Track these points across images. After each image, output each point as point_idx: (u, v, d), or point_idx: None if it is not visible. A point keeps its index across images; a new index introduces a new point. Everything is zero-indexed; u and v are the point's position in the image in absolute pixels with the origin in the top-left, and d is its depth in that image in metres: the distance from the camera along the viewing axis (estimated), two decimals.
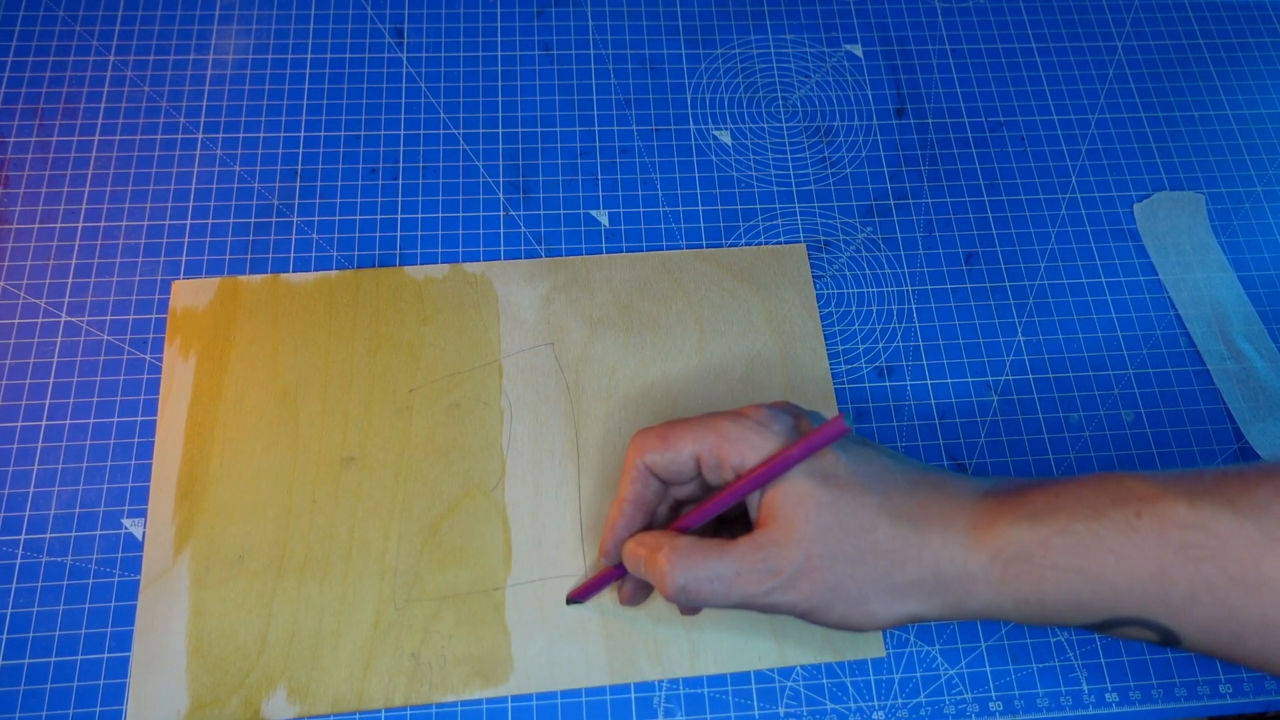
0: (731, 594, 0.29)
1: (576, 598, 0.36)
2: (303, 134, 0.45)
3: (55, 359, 0.39)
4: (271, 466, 0.38)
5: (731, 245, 0.44)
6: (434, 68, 0.47)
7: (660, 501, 0.34)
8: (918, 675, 0.36)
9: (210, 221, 0.43)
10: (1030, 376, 0.42)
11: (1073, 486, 0.28)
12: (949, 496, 0.29)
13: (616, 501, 0.33)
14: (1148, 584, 0.26)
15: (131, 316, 0.40)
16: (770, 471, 0.29)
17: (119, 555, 0.36)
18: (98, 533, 0.37)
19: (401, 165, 0.45)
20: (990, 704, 0.36)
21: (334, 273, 0.42)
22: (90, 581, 0.36)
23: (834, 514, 0.29)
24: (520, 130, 0.46)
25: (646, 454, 0.32)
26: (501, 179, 0.45)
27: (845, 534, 0.29)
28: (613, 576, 0.34)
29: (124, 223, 0.42)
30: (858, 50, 0.49)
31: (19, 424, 0.38)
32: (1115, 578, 0.27)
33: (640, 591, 0.35)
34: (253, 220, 0.43)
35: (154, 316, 0.41)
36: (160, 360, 0.40)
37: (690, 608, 0.33)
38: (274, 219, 0.43)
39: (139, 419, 0.39)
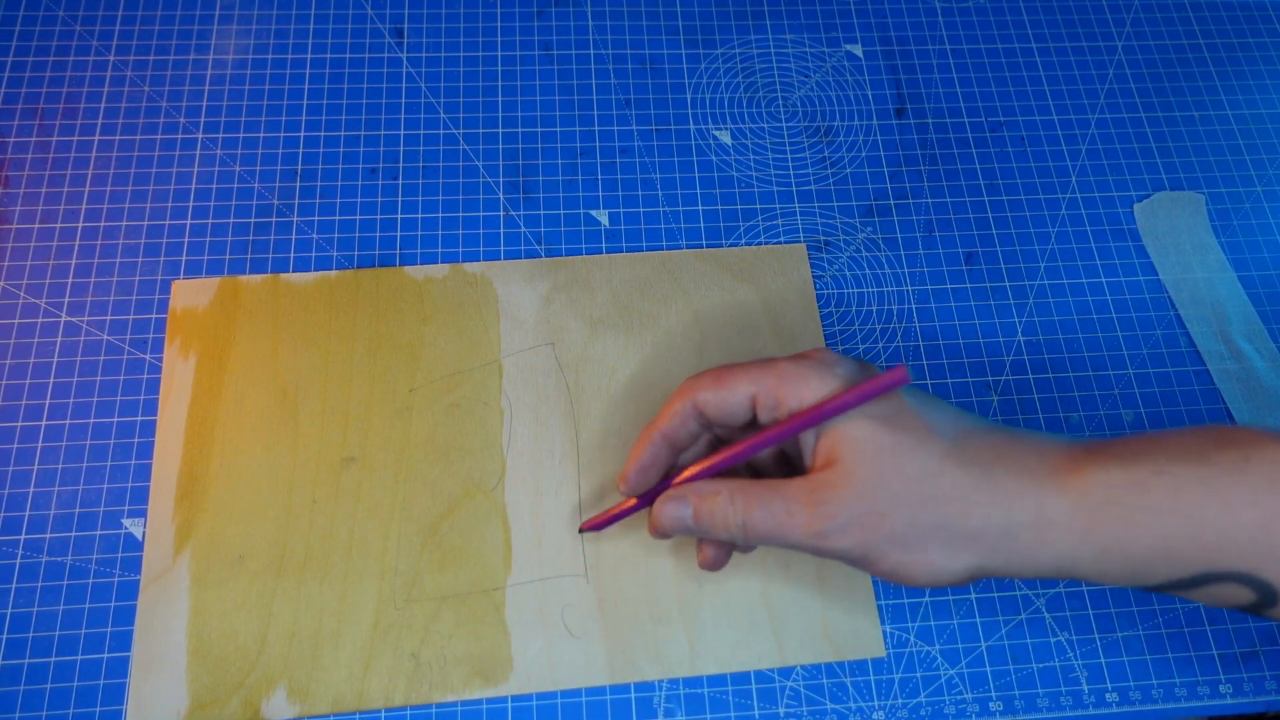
0: (785, 533, 0.29)
1: (591, 527, 0.36)
2: (303, 134, 0.45)
3: (55, 359, 0.39)
4: (271, 466, 0.38)
5: (731, 245, 0.44)
6: (434, 68, 0.47)
7: (692, 443, 0.33)
8: (918, 675, 0.36)
9: (210, 221, 0.43)
10: (1030, 377, 0.42)
11: (1171, 433, 0.26)
12: (1028, 444, 0.28)
13: (647, 429, 0.32)
14: (1253, 532, 0.24)
15: (131, 316, 0.40)
16: (826, 411, 0.28)
17: (119, 555, 0.36)
18: (98, 533, 0.37)
19: (401, 165, 0.45)
20: (990, 704, 0.36)
21: (334, 273, 0.42)
22: (90, 581, 0.36)
23: (895, 458, 0.27)
24: (520, 130, 0.46)
25: (698, 392, 0.31)
26: (501, 179, 0.45)
27: (907, 479, 0.27)
28: (629, 510, 0.34)
29: (124, 223, 0.42)
30: (858, 50, 0.49)
31: (19, 424, 0.38)
32: (1218, 523, 0.24)
33: (720, 552, 0.33)
34: (253, 220, 0.43)
35: (154, 316, 0.41)
36: (160, 360, 0.40)
37: (745, 546, 0.32)
38: (274, 219, 0.43)
39: (139, 419, 0.39)
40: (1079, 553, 0.26)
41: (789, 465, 0.34)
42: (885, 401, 0.29)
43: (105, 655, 0.35)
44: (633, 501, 0.34)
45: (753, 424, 0.32)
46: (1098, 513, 0.26)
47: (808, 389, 0.29)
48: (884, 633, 0.37)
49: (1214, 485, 0.24)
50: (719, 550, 0.33)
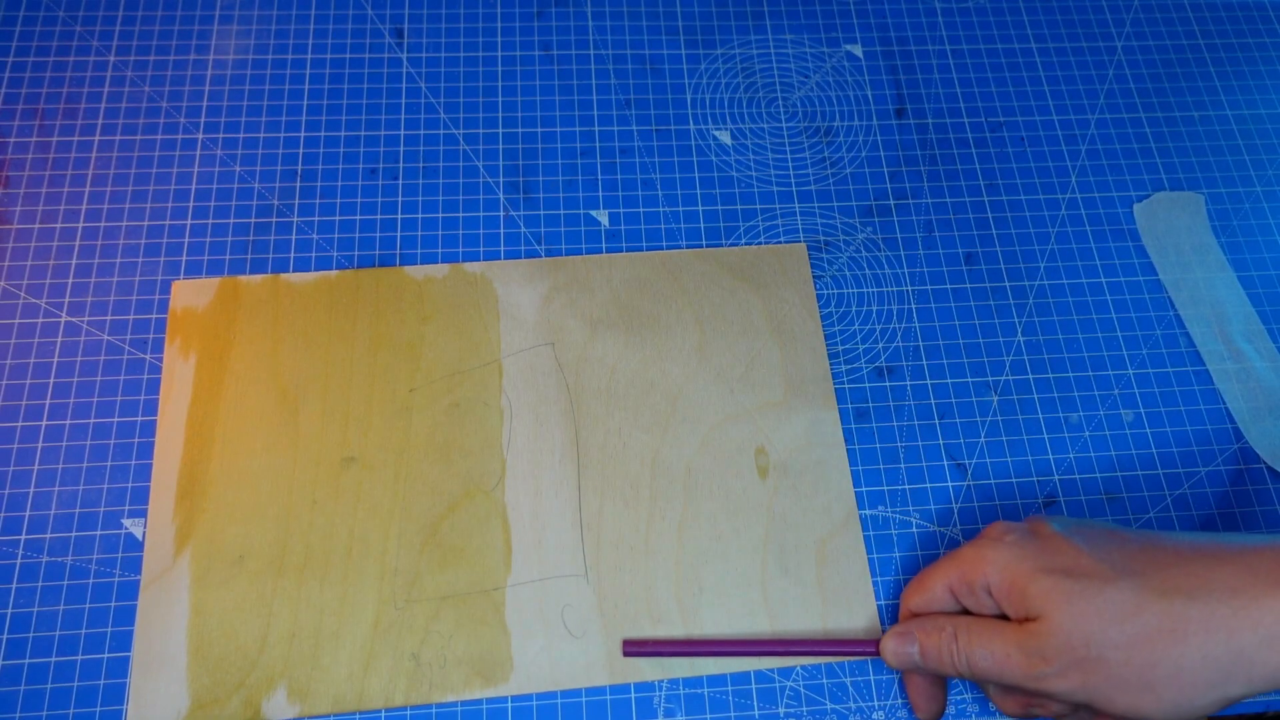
0: (1005, 675, 0.30)
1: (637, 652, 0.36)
2: (303, 134, 0.45)
3: (55, 359, 0.39)
4: (271, 466, 0.38)
5: (731, 245, 0.44)
6: (434, 68, 0.47)
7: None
8: None
9: (210, 221, 0.43)
10: (1030, 376, 0.42)
11: None
12: (1217, 559, 0.28)
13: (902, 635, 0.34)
14: None
15: (131, 316, 0.40)
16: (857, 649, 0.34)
17: (119, 555, 0.36)
18: (98, 533, 0.37)
19: (401, 165, 0.45)
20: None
21: (334, 273, 0.42)
22: (90, 581, 0.36)
23: (1087, 603, 0.28)
24: (520, 130, 0.46)
25: (908, 599, 0.34)
26: (501, 179, 0.45)
27: (1107, 621, 0.28)
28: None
29: (124, 223, 0.42)
30: (858, 50, 0.49)
31: (19, 424, 0.38)
32: None
33: (935, 695, 0.35)
34: (253, 220, 0.43)
35: (154, 316, 0.41)
36: (160, 360, 0.40)
37: (975, 679, 0.33)
38: (274, 219, 0.43)
39: (139, 419, 0.39)
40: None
41: None
42: (1050, 550, 0.30)
43: (105, 655, 0.35)
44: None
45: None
46: None
47: (990, 566, 0.31)
48: (884, 633, 0.37)
49: None
50: (934, 691, 0.34)
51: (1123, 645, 0.28)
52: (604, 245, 0.43)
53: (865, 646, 0.35)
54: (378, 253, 0.42)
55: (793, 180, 0.46)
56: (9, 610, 0.35)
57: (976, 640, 0.31)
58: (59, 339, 0.40)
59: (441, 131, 0.45)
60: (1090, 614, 0.28)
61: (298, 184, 0.44)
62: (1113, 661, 0.28)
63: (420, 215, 0.43)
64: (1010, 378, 0.42)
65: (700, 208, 0.45)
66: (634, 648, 0.35)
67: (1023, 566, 0.30)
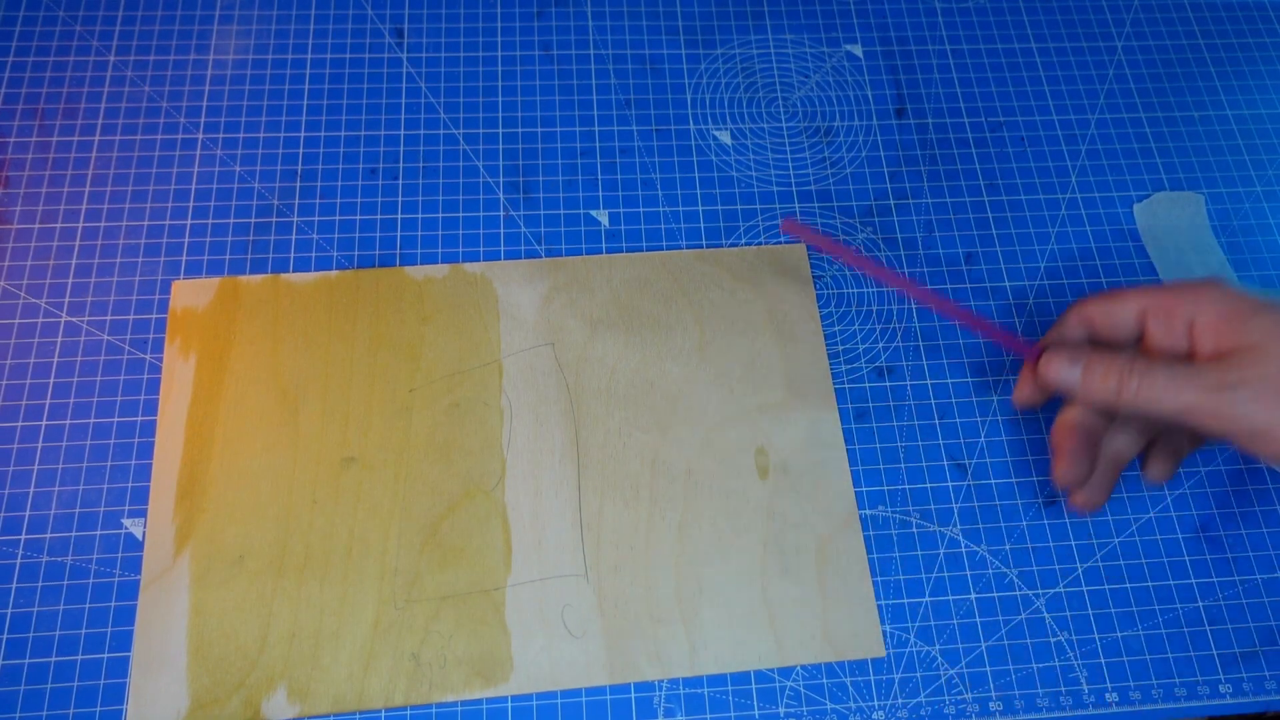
0: (1181, 392, 0.30)
1: (796, 231, 0.37)
2: (303, 134, 0.45)
3: (55, 359, 0.39)
4: (271, 466, 0.38)
5: (731, 245, 0.44)
6: (434, 68, 0.47)
7: (1103, 431, 0.35)
8: (918, 675, 0.36)
9: (210, 221, 0.43)
10: None
11: None
12: None
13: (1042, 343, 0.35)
14: None
15: (131, 316, 0.40)
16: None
17: (119, 555, 0.36)
18: (98, 533, 0.37)
19: (401, 165, 0.45)
20: (990, 704, 0.36)
21: (334, 273, 0.42)
22: (90, 581, 0.36)
23: None
24: (520, 130, 0.46)
25: (1087, 306, 0.34)
26: (501, 179, 0.45)
27: None
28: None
29: (124, 223, 0.42)
30: (858, 50, 0.49)
31: (19, 424, 0.38)
32: None
33: (1039, 392, 0.36)
34: (253, 220, 0.43)
35: (154, 316, 0.41)
36: (160, 360, 0.40)
37: (1116, 412, 0.34)
38: (274, 219, 0.43)
39: (139, 419, 0.39)
40: None
41: None
42: (1262, 298, 0.31)
43: (105, 655, 0.35)
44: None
45: (1139, 342, 0.34)
46: None
47: (1206, 300, 0.31)
48: (884, 633, 0.37)
49: None
50: (1036, 389, 0.36)
51: None
52: (604, 245, 0.43)
53: (1024, 346, 0.36)
54: (378, 253, 0.42)
55: (793, 180, 0.46)
56: (9, 610, 0.35)
57: (1158, 364, 0.31)
58: (59, 339, 0.40)
59: (441, 131, 0.45)
60: None
61: (298, 184, 0.44)
62: None
63: (420, 215, 0.43)
64: (1010, 377, 0.42)
65: (700, 208, 0.45)
66: (793, 227, 0.37)
67: (1244, 302, 0.31)
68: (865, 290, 0.43)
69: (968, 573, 0.38)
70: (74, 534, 0.37)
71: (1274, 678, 0.37)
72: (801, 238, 0.37)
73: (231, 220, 0.43)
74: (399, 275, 0.42)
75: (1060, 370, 0.34)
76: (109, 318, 0.40)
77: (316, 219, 0.43)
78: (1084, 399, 0.33)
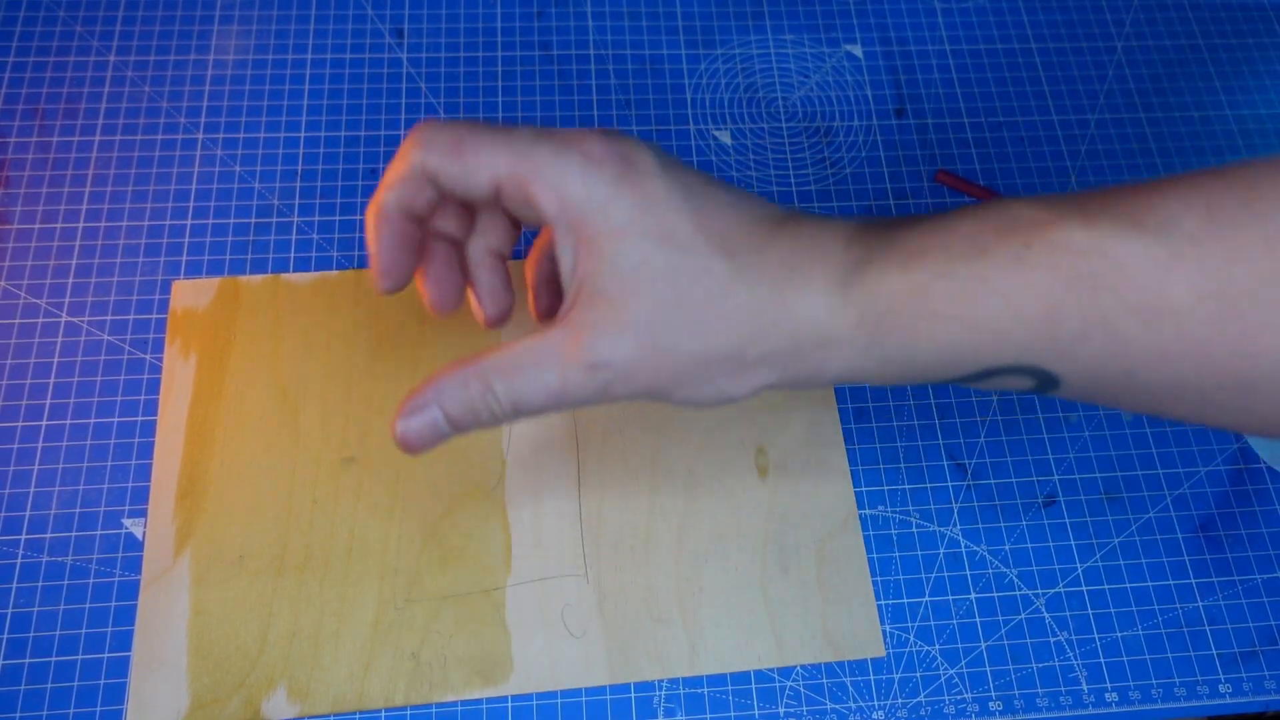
0: (565, 399, 0.25)
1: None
2: (303, 134, 0.45)
3: (55, 359, 0.39)
4: (272, 466, 0.38)
5: None
6: (434, 68, 0.47)
7: (432, 212, 0.28)
8: (918, 675, 0.37)
9: (210, 221, 0.43)
10: None
11: (952, 221, 0.24)
12: (811, 245, 0.25)
13: (374, 200, 0.27)
14: (1035, 325, 0.23)
15: (132, 316, 0.40)
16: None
17: (119, 555, 0.36)
18: (98, 533, 0.37)
19: None
20: (990, 704, 0.36)
21: (334, 273, 0.42)
22: (90, 581, 0.36)
23: (674, 286, 0.24)
24: None
25: (429, 155, 0.25)
26: None
27: (688, 309, 0.24)
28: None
29: (124, 223, 0.42)
30: (858, 50, 0.49)
31: (19, 424, 0.38)
32: (1000, 322, 0.23)
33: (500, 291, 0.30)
34: (253, 220, 0.43)
35: (154, 316, 0.41)
36: (160, 360, 0.40)
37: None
38: (274, 219, 0.43)
39: (139, 419, 0.39)
40: (864, 364, 0.25)
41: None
42: (658, 211, 0.24)
43: (105, 655, 0.35)
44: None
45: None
46: (879, 327, 0.24)
47: (568, 186, 0.24)
48: (884, 633, 0.37)
49: (994, 282, 0.23)
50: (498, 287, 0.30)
51: (700, 336, 0.24)
52: None
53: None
54: None
55: (793, 180, 0.46)
56: (9, 610, 0.35)
57: (519, 375, 0.25)
58: (59, 339, 0.40)
59: None
60: (675, 301, 0.24)
61: (298, 184, 0.44)
62: (683, 356, 0.24)
63: None
64: None
65: None
66: (949, 179, 0.36)
67: (613, 209, 0.24)
68: None
69: (968, 573, 0.38)
70: (74, 534, 0.37)
71: (1274, 678, 0.37)
72: (959, 189, 0.35)
73: (231, 220, 0.43)
74: None
75: (420, 434, 0.27)
76: (109, 318, 0.40)
77: (316, 219, 0.43)
78: (476, 430, 0.27)
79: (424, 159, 0.25)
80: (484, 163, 0.25)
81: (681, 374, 0.25)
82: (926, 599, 0.38)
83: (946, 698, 0.36)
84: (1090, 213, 0.22)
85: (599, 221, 0.24)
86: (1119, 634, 0.37)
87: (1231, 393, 0.22)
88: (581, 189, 0.24)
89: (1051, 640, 0.37)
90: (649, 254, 0.24)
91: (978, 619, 0.37)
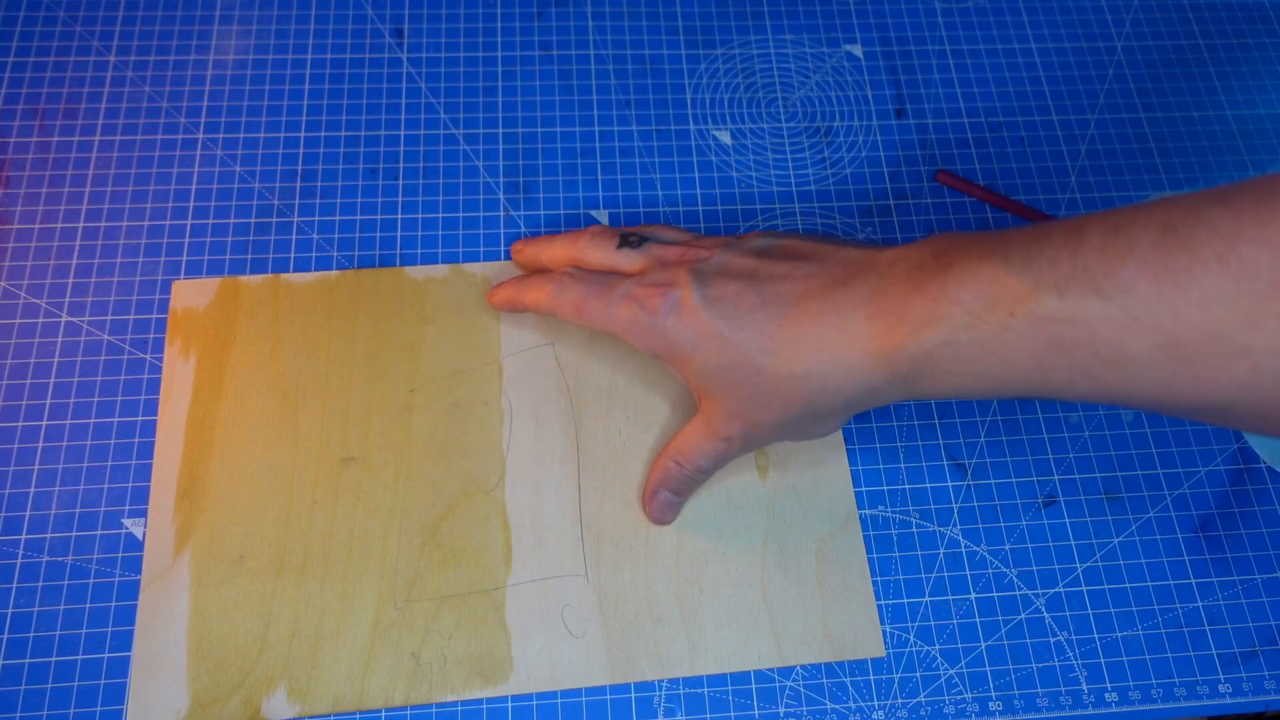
0: (720, 463, 0.36)
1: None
2: (303, 134, 0.45)
3: (55, 359, 0.39)
4: (272, 466, 0.38)
5: None
6: (434, 68, 0.47)
7: None
8: (918, 675, 0.37)
9: (210, 221, 0.43)
10: None
11: (955, 286, 0.29)
12: (840, 329, 0.31)
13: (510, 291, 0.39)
14: (1029, 374, 0.28)
15: (132, 316, 0.40)
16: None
17: (119, 555, 0.36)
18: (98, 533, 0.37)
19: (401, 165, 0.45)
20: (990, 704, 0.36)
21: (334, 273, 0.42)
22: (90, 581, 0.36)
23: (742, 385, 0.32)
24: (520, 130, 0.46)
25: (557, 309, 0.37)
26: (501, 179, 0.45)
27: (759, 398, 0.32)
28: None
29: (124, 223, 0.42)
30: (858, 50, 0.49)
31: (19, 424, 0.38)
32: (1000, 374, 0.28)
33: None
34: (253, 220, 0.43)
35: (154, 316, 0.41)
36: (160, 360, 0.40)
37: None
38: (274, 219, 0.43)
39: (139, 419, 0.39)
40: (907, 399, 0.32)
41: None
42: (702, 329, 0.33)
43: (106, 655, 0.35)
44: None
45: None
46: (909, 380, 0.30)
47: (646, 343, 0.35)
48: (884, 633, 0.37)
49: (990, 346, 0.28)
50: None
51: (777, 409, 0.33)
52: None
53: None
54: (378, 253, 0.42)
55: (793, 180, 0.46)
56: (9, 610, 0.35)
57: (689, 456, 0.36)
58: (59, 339, 0.40)
59: (441, 131, 0.45)
60: (745, 394, 0.33)
61: (298, 184, 0.44)
62: (770, 423, 0.33)
63: (420, 215, 0.43)
64: None
65: (700, 208, 0.45)
66: (948, 179, 0.38)
67: (677, 347, 0.34)
68: None
69: (968, 573, 0.38)
70: (74, 534, 0.37)
71: (1274, 678, 0.37)
72: (959, 189, 0.38)
73: (231, 220, 0.43)
74: (399, 275, 0.42)
75: (664, 509, 0.37)
76: (109, 318, 0.40)
77: (316, 219, 0.43)
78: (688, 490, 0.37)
79: (552, 311, 0.37)
80: (592, 324, 0.36)
81: (779, 433, 0.34)
82: (926, 599, 0.38)
83: (946, 698, 0.36)
84: (1063, 282, 0.26)
85: (670, 357, 0.34)
86: (1119, 634, 0.37)
87: (1206, 414, 0.27)
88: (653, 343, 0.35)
89: (1051, 640, 0.37)
90: (716, 368, 0.33)
91: (978, 619, 0.37)
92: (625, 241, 0.37)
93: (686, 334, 0.33)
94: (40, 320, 0.40)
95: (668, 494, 0.37)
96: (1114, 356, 0.26)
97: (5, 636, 0.35)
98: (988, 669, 0.37)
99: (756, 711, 0.36)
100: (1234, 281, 0.24)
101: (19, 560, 0.36)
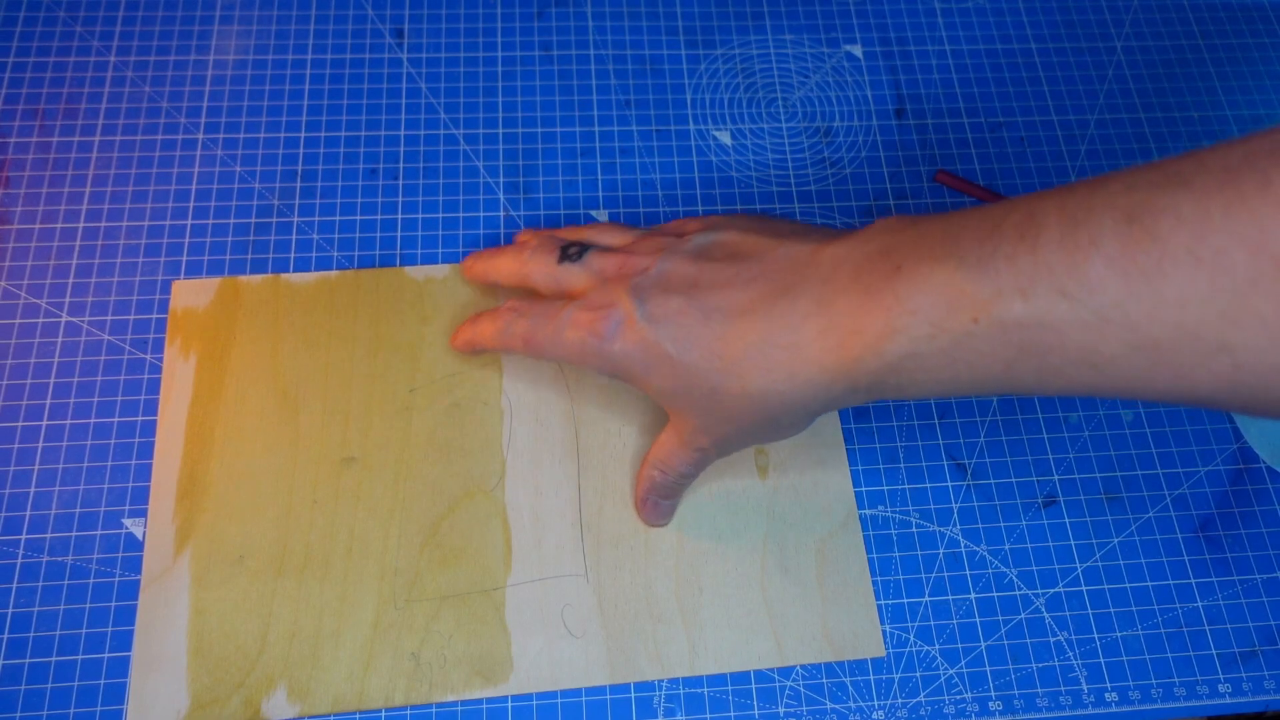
0: (698, 469, 0.35)
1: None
2: (303, 134, 0.45)
3: (55, 359, 0.39)
4: (272, 466, 0.38)
5: None
6: (434, 68, 0.47)
7: None
8: (918, 675, 0.37)
9: (210, 221, 0.43)
10: None
11: (909, 293, 0.27)
12: (791, 345, 0.29)
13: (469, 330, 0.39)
14: (999, 375, 0.27)
15: (132, 316, 0.41)
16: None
17: (119, 555, 0.36)
18: (98, 533, 0.37)
19: (401, 165, 0.45)
20: (990, 704, 0.36)
21: (334, 273, 0.42)
22: (91, 581, 0.36)
23: (700, 399, 0.32)
24: (520, 130, 0.46)
25: (507, 343, 0.37)
26: (501, 179, 0.45)
27: (719, 410, 0.32)
28: None
29: (124, 223, 0.42)
30: (858, 50, 0.49)
31: (19, 424, 0.38)
32: (969, 380, 0.27)
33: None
34: (253, 220, 0.43)
35: (154, 316, 0.41)
36: (160, 360, 0.40)
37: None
38: (274, 219, 0.43)
39: (139, 419, 0.39)
40: (868, 404, 0.32)
41: None
42: (650, 348, 0.32)
43: (106, 655, 0.35)
44: None
45: None
46: (871, 390, 0.29)
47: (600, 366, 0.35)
48: (884, 633, 0.37)
49: (955, 354, 0.27)
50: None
51: (737, 421, 0.32)
52: None
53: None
54: (378, 253, 0.42)
55: (793, 180, 0.46)
56: (9, 610, 0.35)
57: (668, 463, 0.35)
58: (59, 339, 0.40)
59: (441, 131, 0.45)
60: (706, 406, 0.32)
61: (298, 184, 0.44)
62: (741, 432, 0.33)
63: (420, 215, 0.43)
64: None
65: (700, 208, 0.45)
66: (948, 179, 0.38)
67: (630, 364, 0.33)
68: None
69: (967, 573, 0.38)
70: (74, 534, 0.37)
71: (1274, 678, 0.37)
72: (959, 189, 0.37)
73: (231, 220, 0.43)
74: (399, 275, 0.42)
75: (656, 512, 0.38)
76: (109, 318, 0.40)
77: (316, 219, 0.43)
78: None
79: (505, 349, 0.37)
80: (544, 355, 0.36)
81: (748, 441, 0.34)
82: (926, 599, 0.38)
83: (946, 698, 0.36)
84: (1026, 284, 0.25)
85: (626, 377, 0.34)
86: (1119, 634, 0.37)
87: (1190, 405, 0.25)
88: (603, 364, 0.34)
89: (1051, 640, 0.37)
90: (672, 391, 0.32)
91: (978, 619, 0.37)
92: (565, 255, 0.36)
93: (635, 356, 0.32)
94: (40, 320, 0.40)
95: (657, 499, 0.37)
96: (1087, 358, 0.25)
97: (5, 636, 0.35)
98: (988, 669, 0.37)
99: (756, 711, 0.36)
100: (1209, 279, 0.22)
101: (19, 560, 0.36)
